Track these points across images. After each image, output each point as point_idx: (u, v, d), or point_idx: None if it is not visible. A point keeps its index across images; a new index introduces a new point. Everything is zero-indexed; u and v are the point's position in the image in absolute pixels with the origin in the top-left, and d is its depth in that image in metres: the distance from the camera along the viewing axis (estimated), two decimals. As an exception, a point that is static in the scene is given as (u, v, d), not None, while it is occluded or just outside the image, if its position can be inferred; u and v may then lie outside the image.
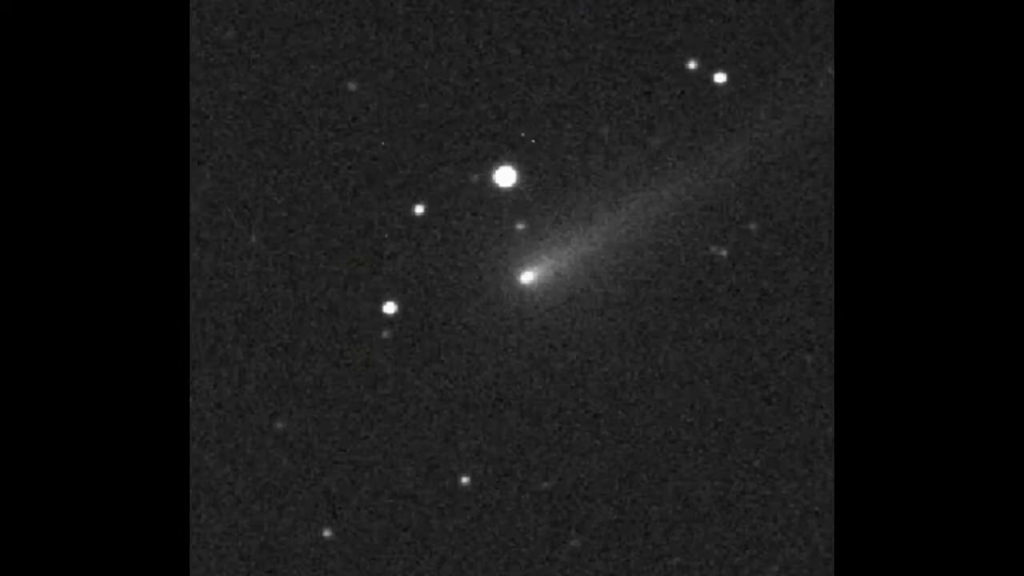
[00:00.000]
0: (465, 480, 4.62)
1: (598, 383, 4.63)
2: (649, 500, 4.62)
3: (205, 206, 4.46)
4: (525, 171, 4.64)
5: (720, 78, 4.63)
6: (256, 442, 4.61)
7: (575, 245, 4.61)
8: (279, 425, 4.60)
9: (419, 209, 4.65)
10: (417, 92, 4.64)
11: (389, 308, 4.65)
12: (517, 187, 4.65)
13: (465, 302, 4.63)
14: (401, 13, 4.62)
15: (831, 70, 4.45)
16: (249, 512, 4.60)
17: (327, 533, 4.61)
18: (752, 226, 4.63)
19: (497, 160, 4.64)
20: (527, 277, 4.59)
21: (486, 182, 4.65)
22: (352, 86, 4.62)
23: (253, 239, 4.58)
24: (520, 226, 4.63)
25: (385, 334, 4.64)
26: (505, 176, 4.65)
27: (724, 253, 4.63)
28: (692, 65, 4.63)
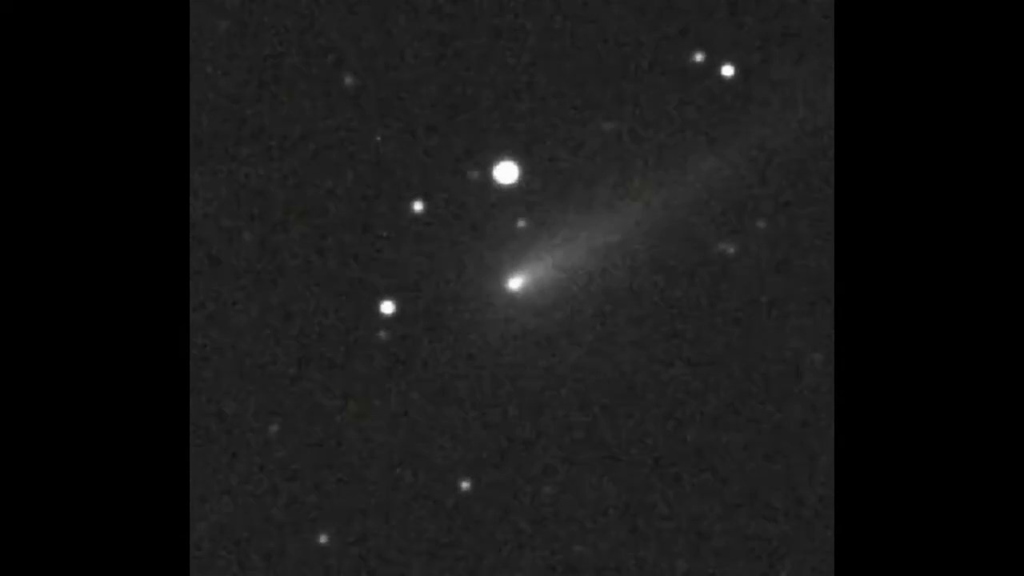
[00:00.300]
0: (465, 485, 4.63)
1: (600, 383, 4.66)
2: (652, 502, 4.65)
3: (203, 203, 4.49)
4: (527, 167, 4.66)
5: (728, 71, 4.64)
6: (252, 445, 4.64)
7: (578, 242, 4.64)
8: (273, 428, 4.62)
9: (418, 207, 4.66)
10: (415, 85, 4.66)
11: (387, 308, 4.65)
12: (519, 184, 4.67)
13: (464, 302, 4.64)
14: (399, 5, 4.65)
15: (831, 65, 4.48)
16: (246, 517, 4.63)
17: (323, 539, 4.62)
18: (760, 223, 4.65)
19: (498, 156, 4.66)
20: (515, 283, 4.62)
21: (486, 179, 4.67)
22: (349, 79, 4.64)
23: (247, 237, 4.59)
24: (522, 224, 4.63)
25: (382, 335, 4.64)
26: (506, 172, 4.66)
27: (732, 250, 4.66)
28: (699, 58, 4.65)
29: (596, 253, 4.62)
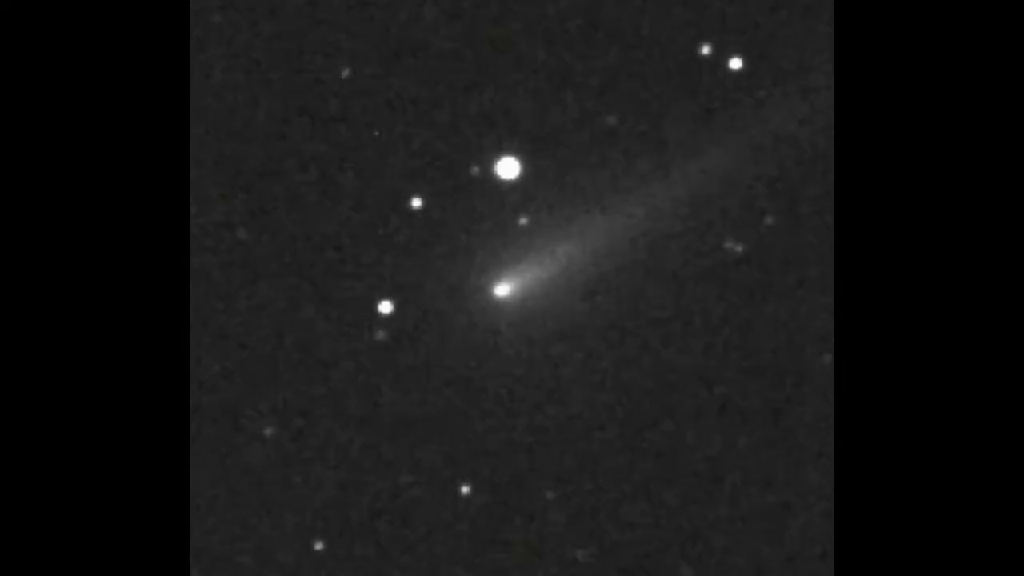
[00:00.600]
0: (466, 490, 4.64)
1: (604, 384, 4.68)
2: (655, 504, 4.66)
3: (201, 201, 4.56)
4: (528, 162, 4.68)
5: (736, 64, 4.66)
6: (248, 450, 4.67)
7: (580, 240, 4.67)
8: (269, 431, 4.65)
9: (416, 203, 4.66)
10: (414, 78, 4.68)
11: (385, 308, 4.66)
12: (521, 179, 4.69)
13: (464, 302, 4.66)
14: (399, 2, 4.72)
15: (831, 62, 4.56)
16: (245, 523, 4.65)
17: (319, 546, 4.64)
18: (769, 220, 4.68)
19: (499, 151, 4.68)
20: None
21: (488, 174, 4.69)
22: (345, 72, 4.65)
23: (241, 234, 4.63)
24: (523, 221, 4.65)
25: (380, 335, 4.64)
26: (508, 168, 4.66)
27: (740, 249, 4.67)
28: (705, 51, 4.67)
29: (596, 253, 4.64)
